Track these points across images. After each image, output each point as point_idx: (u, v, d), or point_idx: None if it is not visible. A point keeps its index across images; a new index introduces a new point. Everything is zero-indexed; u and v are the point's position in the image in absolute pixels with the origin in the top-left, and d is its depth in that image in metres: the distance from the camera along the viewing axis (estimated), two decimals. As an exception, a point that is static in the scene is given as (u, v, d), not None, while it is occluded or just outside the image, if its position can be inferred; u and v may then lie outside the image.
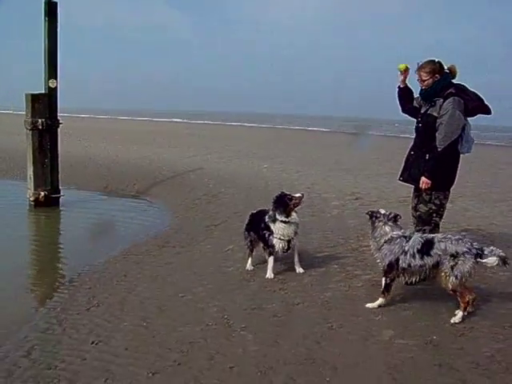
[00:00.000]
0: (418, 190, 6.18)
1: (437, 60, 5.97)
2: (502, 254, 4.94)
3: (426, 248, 5.11)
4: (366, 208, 9.70)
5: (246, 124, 50.29)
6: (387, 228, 5.36)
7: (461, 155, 6.14)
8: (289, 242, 6.50)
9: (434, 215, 6.08)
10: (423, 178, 5.95)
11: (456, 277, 4.95)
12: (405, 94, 6.31)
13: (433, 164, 5.91)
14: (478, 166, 17.79)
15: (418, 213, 6.19)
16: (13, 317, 6.31)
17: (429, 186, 5.93)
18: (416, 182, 6.13)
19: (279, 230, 6.44)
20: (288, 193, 6.62)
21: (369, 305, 5.40)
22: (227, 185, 13.95)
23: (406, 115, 6.41)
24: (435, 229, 6.09)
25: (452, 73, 5.94)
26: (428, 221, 6.08)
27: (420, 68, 5.97)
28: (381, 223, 5.40)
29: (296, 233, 6.54)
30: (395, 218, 5.42)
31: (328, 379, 4.12)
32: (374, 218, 5.48)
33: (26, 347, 5.24)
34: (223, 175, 15.34)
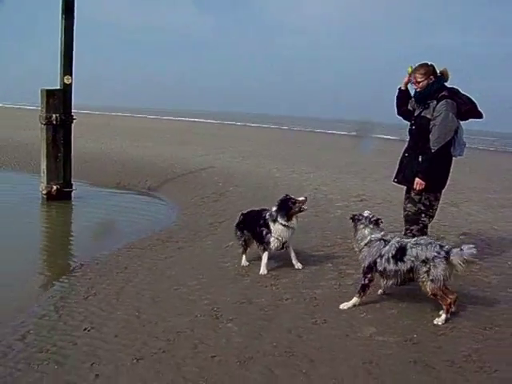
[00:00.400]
0: (409, 191, 6.27)
1: (430, 63, 6.07)
2: (469, 252, 4.98)
3: (400, 254, 5.18)
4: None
5: (261, 125, 50.30)
6: (366, 231, 5.45)
7: (453, 158, 6.23)
8: (284, 242, 6.66)
9: (423, 215, 6.16)
10: (417, 179, 6.03)
11: (432, 281, 5.02)
12: (404, 96, 6.41)
13: (427, 165, 6.01)
14: (490, 172, 17.78)
15: (405, 212, 6.28)
16: (14, 303, 6.51)
17: (423, 186, 6.01)
18: (409, 184, 6.22)
19: (277, 231, 6.60)
20: (292, 196, 6.76)
21: (343, 305, 5.46)
22: (236, 183, 14.11)
23: (401, 118, 6.50)
24: (423, 229, 6.17)
25: (444, 76, 6.03)
26: (416, 221, 6.17)
27: (415, 70, 6.07)
28: (361, 226, 5.50)
29: (291, 236, 6.70)
30: (376, 221, 5.51)
31: (304, 371, 4.26)
32: (356, 221, 5.58)
33: (21, 332, 5.44)
34: (233, 174, 15.50)
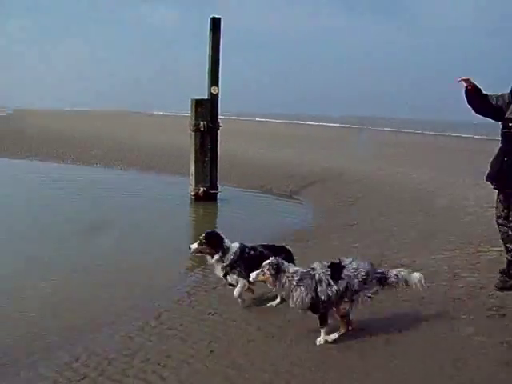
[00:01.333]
0: (507, 199, 6.00)
1: None
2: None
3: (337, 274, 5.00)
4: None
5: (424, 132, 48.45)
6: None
7: None
8: None
9: None
10: None
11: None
12: (475, 95, 6.06)
13: None
14: None
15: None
16: (157, 289, 7.49)
17: None
18: None
19: None
20: None
21: (319, 339, 5.07)
22: (373, 188, 14.52)
23: (479, 115, 6.22)
24: None
25: None
26: None
27: None
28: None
29: None
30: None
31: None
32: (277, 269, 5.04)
33: (158, 311, 6.34)
34: (368, 180, 15.84)
